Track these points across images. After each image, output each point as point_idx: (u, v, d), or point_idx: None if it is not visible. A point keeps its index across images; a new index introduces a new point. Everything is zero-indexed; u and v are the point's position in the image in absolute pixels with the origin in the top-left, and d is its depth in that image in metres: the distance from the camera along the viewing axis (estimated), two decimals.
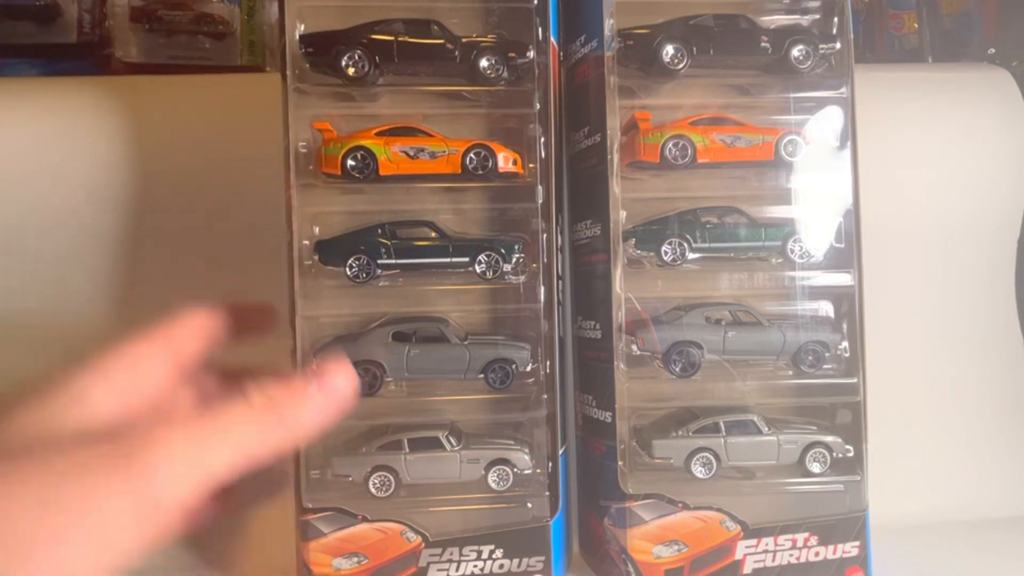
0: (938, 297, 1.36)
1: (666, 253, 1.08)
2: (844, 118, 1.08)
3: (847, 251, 1.07)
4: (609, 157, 1.06)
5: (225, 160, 1.25)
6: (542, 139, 1.07)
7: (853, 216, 1.07)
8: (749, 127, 1.09)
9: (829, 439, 1.06)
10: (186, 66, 1.56)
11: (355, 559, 1.03)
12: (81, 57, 1.54)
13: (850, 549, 1.03)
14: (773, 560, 1.03)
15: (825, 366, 1.07)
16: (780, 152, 1.08)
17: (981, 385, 1.35)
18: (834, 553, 1.03)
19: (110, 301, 1.25)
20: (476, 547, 1.04)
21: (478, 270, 1.08)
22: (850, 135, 1.07)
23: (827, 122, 1.08)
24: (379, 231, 1.08)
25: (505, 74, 1.05)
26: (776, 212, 1.09)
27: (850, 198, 1.07)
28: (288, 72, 1.02)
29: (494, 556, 1.04)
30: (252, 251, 1.20)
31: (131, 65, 1.54)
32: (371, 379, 1.06)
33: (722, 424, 1.07)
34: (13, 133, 1.26)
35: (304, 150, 1.06)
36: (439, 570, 1.03)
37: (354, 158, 1.06)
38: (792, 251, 1.08)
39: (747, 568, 1.03)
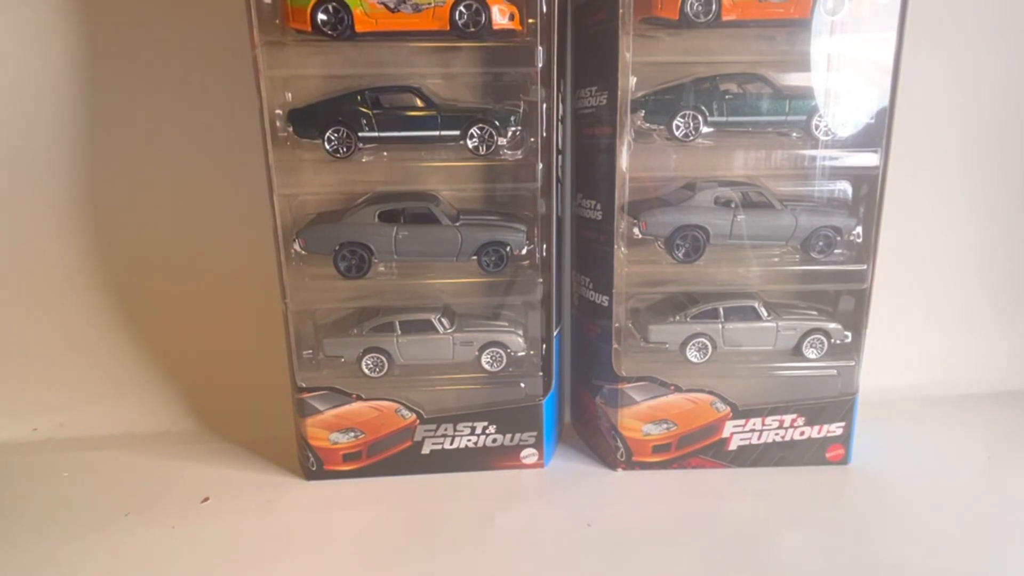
0: (966, 184, 1.27)
1: (678, 127, 0.98)
2: None
3: (876, 128, 0.97)
4: (621, 12, 0.92)
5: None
6: None
7: (890, 88, 0.95)
8: None
9: (830, 326, 1.04)
10: None
11: (352, 434, 1.05)
12: None
13: (835, 429, 1.06)
14: (759, 439, 1.06)
15: (836, 251, 1.02)
16: (818, 7, 0.93)
17: (989, 273, 1.31)
18: (819, 433, 1.06)
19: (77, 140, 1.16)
20: (470, 423, 1.06)
21: (470, 144, 0.98)
22: None
23: None
24: (359, 99, 0.97)
25: None
26: (805, 81, 0.97)
27: (891, 66, 0.95)
28: None
29: (487, 431, 1.06)
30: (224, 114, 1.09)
31: None
32: (358, 262, 1.01)
33: (721, 310, 1.04)
34: None
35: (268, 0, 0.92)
36: (434, 444, 1.06)
37: (325, 11, 0.92)
38: (817, 127, 0.98)
39: (732, 445, 1.06)
